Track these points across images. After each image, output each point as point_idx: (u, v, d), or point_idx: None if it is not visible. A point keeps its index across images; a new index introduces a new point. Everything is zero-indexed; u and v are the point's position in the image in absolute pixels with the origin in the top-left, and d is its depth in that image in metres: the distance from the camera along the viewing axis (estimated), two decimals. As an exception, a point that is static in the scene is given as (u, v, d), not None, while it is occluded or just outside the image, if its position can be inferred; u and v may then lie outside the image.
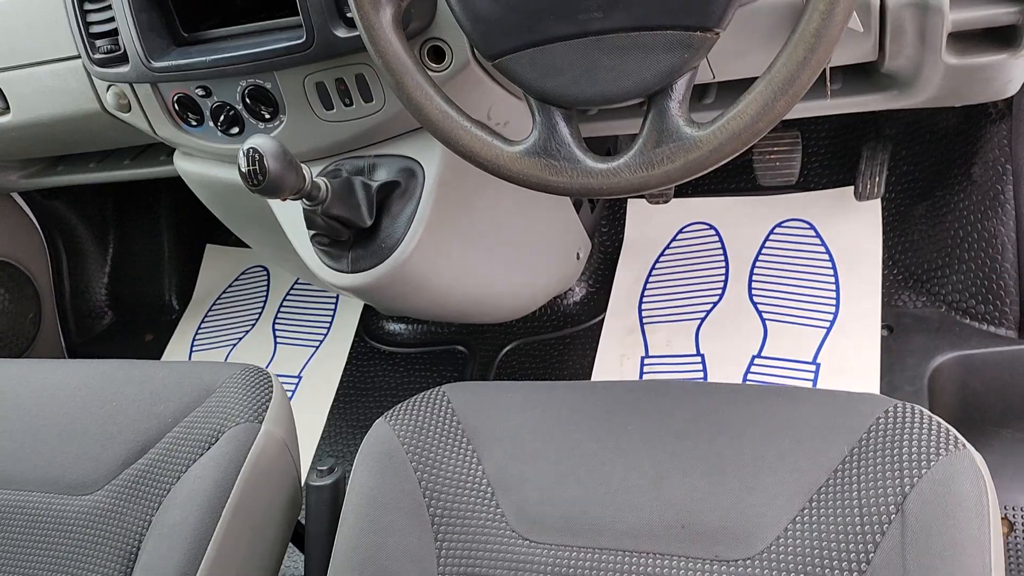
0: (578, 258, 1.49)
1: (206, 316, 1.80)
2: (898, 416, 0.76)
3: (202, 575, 0.84)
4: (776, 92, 0.66)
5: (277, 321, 1.73)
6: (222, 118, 1.11)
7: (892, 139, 1.41)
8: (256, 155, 0.87)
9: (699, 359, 1.35)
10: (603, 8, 0.69)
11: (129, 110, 1.18)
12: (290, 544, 1.00)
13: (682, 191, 1.53)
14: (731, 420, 0.80)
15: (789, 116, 0.98)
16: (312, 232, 1.05)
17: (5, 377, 1.10)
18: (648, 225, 1.54)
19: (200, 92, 1.10)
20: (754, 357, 1.32)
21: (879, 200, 1.39)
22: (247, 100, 1.08)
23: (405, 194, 1.06)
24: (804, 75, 0.65)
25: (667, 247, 1.50)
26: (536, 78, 0.73)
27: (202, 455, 0.91)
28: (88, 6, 1.08)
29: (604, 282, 1.51)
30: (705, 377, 1.33)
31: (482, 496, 0.82)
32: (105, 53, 1.09)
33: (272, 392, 0.98)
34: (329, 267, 1.08)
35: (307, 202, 0.97)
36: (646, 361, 1.38)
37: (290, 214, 1.12)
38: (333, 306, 1.71)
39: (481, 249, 1.20)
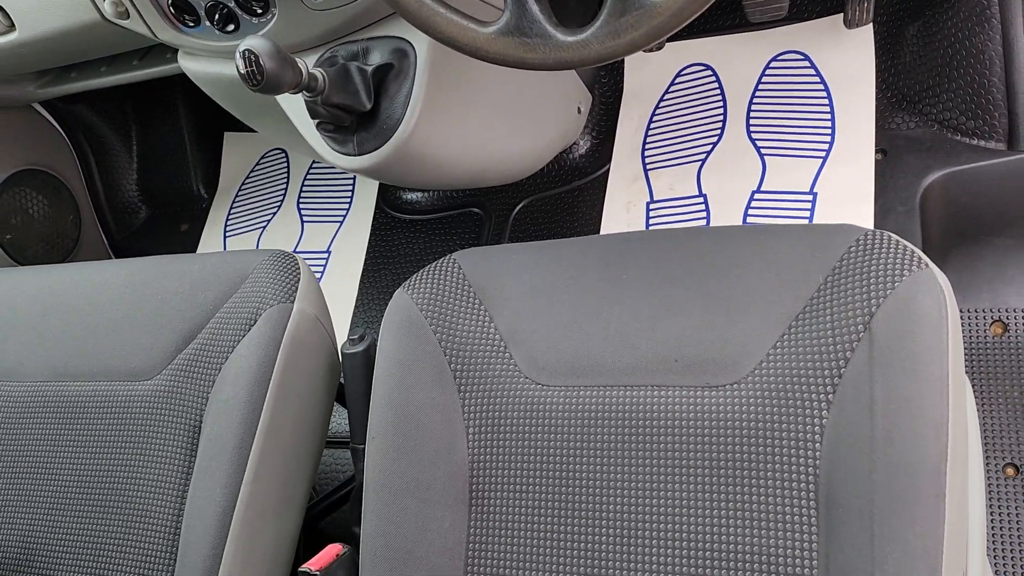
0: (579, 112, 1.53)
1: (234, 202, 1.89)
2: (868, 243, 0.82)
3: (258, 440, 0.96)
4: None
5: (301, 200, 1.81)
6: (217, 16, 1.15)
7: None
8: (252, 56, 0.92)
9: (701, 200, 1.41)
10: None
11: (128, 17, 1.22)
12: (335, 403, 1.12)
13: (677, 35, 1.54)
14: (717, 261, 0.87)
15: None
16: (316, 121, 1.11)
17: (58, 281, 1.20)
18: (646, 72, 1.56)
19: (192, -8, 1.14)
20: (753, 193, 1.38)
21: (871, 25, 1.39)
22: (239, -5, 1.12)
23: (400, 75, 1.10)
24: None
25: (666, 92, 1.53)
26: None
27: (244, 336, 1.02)
28: None
29: (608, 132, 1.56)
30: (708, 216, 1.39)
31: (496, 350, 0.91)
32: None
33: (300, 274, 1.07)
34: (337, 151, 1.14)
35: (307, 94, 1.03)
36: (651, 206, 1.44)
37: (295, 105, 1.18)
38: (352, 181, 1.78)
39: (480, 117, 1.25)
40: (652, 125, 1.52)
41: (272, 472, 0.98)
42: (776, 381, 0.79)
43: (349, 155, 1.13)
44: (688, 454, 0.81)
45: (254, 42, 0.92)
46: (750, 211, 1.36)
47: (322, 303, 1.10)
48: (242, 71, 0.93)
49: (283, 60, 0.94)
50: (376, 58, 1.11)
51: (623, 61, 1.58)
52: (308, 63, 1.03)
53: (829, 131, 1.37)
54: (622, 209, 1.46)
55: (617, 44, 0.76)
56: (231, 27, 1.16)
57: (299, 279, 1.06)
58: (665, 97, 1.53)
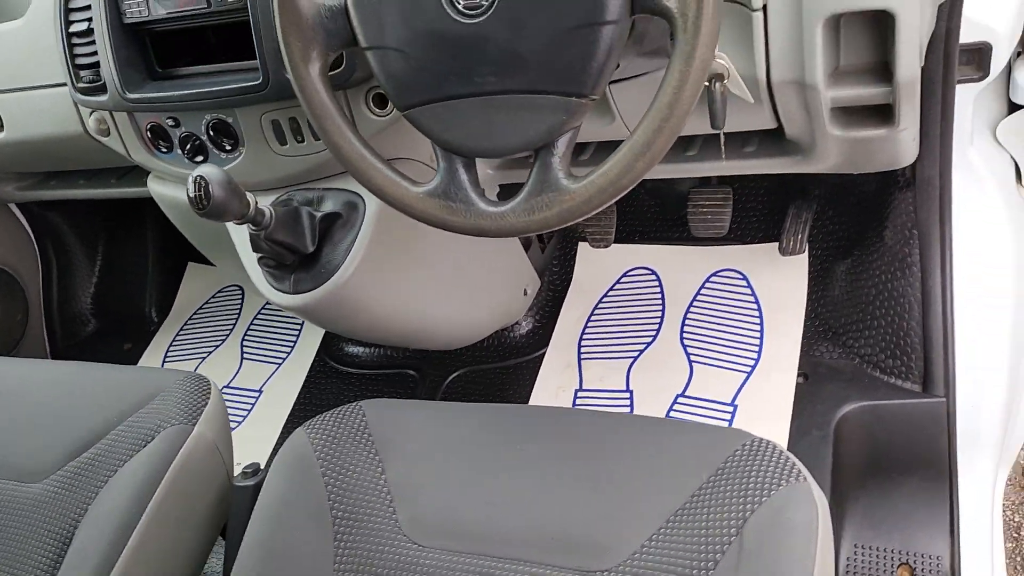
0: (525, 294, 1.58)
1: (181, 329, 1.90)
2: (752, 449, 0.84)
3: (125, 558, 0.93)
4: (636, 155, 0.76)
5: (246, 338, 1.83)
6: (189, 146, 1.22)
7: (818, 199, 1.50)
8: (202, 182, 0.97)
9: (628, 395, 1.43)
10: (497, 72, 0.79)
11: (108, 135, 1.29)
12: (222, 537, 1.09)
13: (627, 238, 1.63)
14: (612, 446, 0.89)
15: (725, 173, 1.08)
16: (259, 255, 1.15)
17: None
18: (595, 266, 1.63)
19: (170, 122, 1.21)
20: (678, 396, 1.41)
21: (807, 256, 1.48)
22: (211, 132, 1.19)
23: (347, 224, 1.15)
24: (659, 141, 0.75)
25: (611, 288, 1.59)
26: (440, 130, 0.83)
27: (138, 452, 1.01)
28: (75, 40, 1.19)
29: (550, 317, 1.61)
30: (631, 411, 1.41)
31: (381, 501, 0.90)
32: (88, 83, 1.20)
33: (210, 399, 1.07)
34: (273, 287, 1.17)
35: (252, 227, 1.07)
36: (579, 394, 1.46)
37: (242, 236, 1.23)
38: (299, 327, 1.81)
39: (422, 280, 1.30)
40: (593, 317, 1.57)
41: None
42: (647, 574, 0.78)
43: (284, 292, 1.17)
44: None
45: (206, 169, 0.98)
46: (672, 413, 1.39)
47: (226, 433, 1.09)
48: (191, 194, 0.98)
49: (231, 191, 0.99)
50: (328, 207, 1.17)
51: (576, 253, 1.66)
52: (263, 201, 1.08)
53: (757, 349, 1.42)
54: (552, 393, 1.48)
55: (531, 220, 0.81)
56: (200, 158, 1.22)
57: (207, 404, 1.06)
58: (609, 293, 1.59)
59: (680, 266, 1.57)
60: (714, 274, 1.54)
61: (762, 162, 1.18)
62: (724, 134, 1.10)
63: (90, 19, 1.17)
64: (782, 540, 0.77)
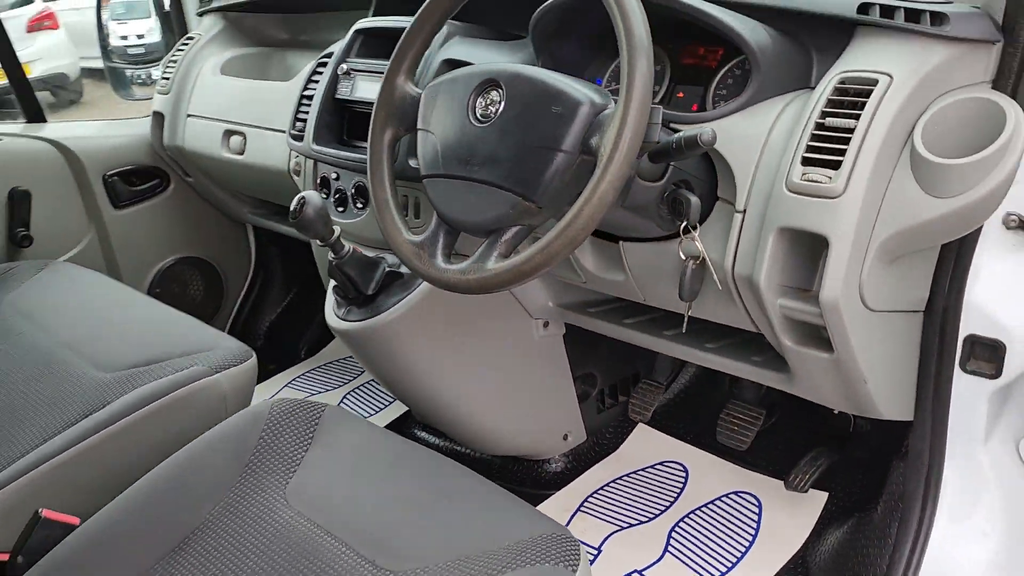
0: (565, 439, 1.72)
1: (309, 371, 2.24)
2: (546, 539, 0.94)
3: (110, 432, 1.21)
4: (534, 253, 0.95)
5: (350, 395, 2.10)
6: (338, 197, 1.57)
7: (837, 453, 1.51)
8: (302, 201, 1.29)
9: (595, 552, 1.50)
10: (482, 165, 1.03)
11: (299, 175, 1.69)
12: None
13: (664, 420, 1.74)
14: (453, 491, 1.04)
15: (706, 364, 1.24)
16: (333, 284, 1.44)
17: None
18: (642, 447, 1.73)
19: (334, 176, 1.58)
20: (636, 570, 1.45)
21: (824, 499, 1.49)
22: (354, 190, 1.54)
23: (405, 286, 1.42)
24: (556, 244, 0.94)
25: (644, 468, 1.68)
26: (437, 198, 1.09)
27: (173, 374, 1.30)
28: (303, 101, 1.62)
29: (581, 467, 1.72)
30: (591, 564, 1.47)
31: (288, 470, 1.10)
32: (296, 131, 1.62)
33: (245, 363, 1.36)
34: (333, 312, 1.46)
35: (332, 254, 1.37)
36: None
37: (324, 262, 1.52)
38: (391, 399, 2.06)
39: (455, 360, 1.51)
40: (613, 483, 1.66)
41: None
42: None
43: (338, 317, 1.44)
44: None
45: (309, 194, 1.30)
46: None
47: (243, 393, 1.36)
48: (292, 207, 1.30)
49: (321, 216, 1.30)
50: (400, 268, 1.45)
51: (632, 430, 1.78)
52: (366, 250, 1.40)
53: (728, 566, 1.44)
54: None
55: (460, 281, 1.02)
56: (341, 208, 1.57)
57: (239, 365, 1.35)
58: (640, 471, 1.68)
59: (712, 473, 1.63)
60: (734, 492, 1.58)
61: (746, 367, 1.27)
62: (710, 321, 1.24)
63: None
64: None
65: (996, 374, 1.18)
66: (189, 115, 2.00)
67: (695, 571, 1.44)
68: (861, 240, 1.00)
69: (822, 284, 1.01)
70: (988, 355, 1.18)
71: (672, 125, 1.13)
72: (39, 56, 6.93)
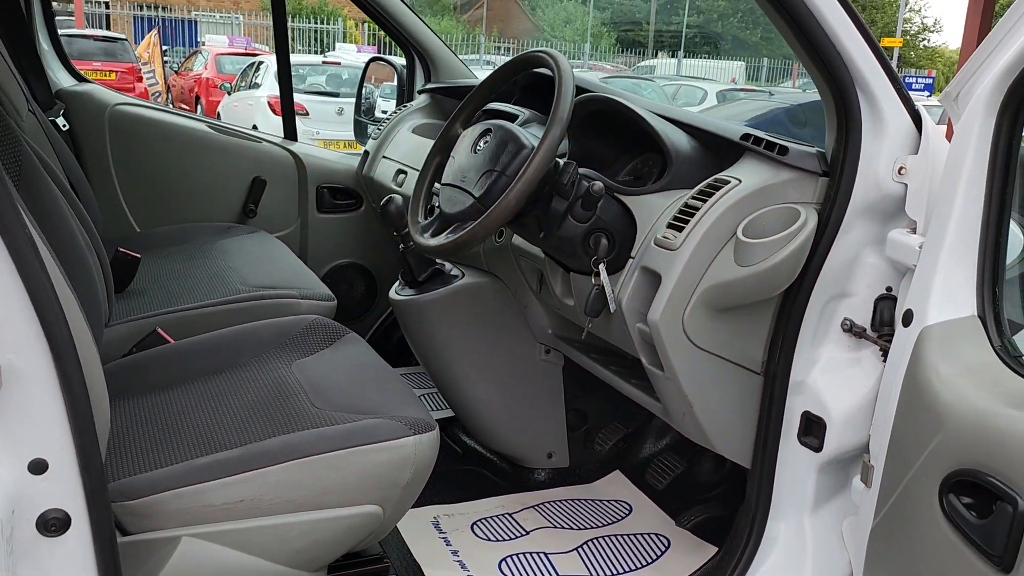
0: (550, 457, 2.12)
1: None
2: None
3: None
4: (465, 233, 1.45)
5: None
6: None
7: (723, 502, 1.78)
8: (389, 198, 1.89)
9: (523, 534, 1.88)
10: (467, 177, 1.56)
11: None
12: None
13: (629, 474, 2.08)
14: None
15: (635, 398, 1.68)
16: (401, 249, 1.99)
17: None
18: (610, 485, 2.09)
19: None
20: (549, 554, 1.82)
21: (712, 553, 1.77)
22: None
23: (445, 282, 1.96)
24: (476, 229, 1.43)
25: (595, 499, 2.04)
26: (441, 200, 1.63)
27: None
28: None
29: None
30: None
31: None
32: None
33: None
34: (395, 290, 2.03)
35: (402, 243, 1.94)
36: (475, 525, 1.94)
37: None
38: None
39: (470, 353, 2.00)
40: (568, 500, 2.03)
41: None
42: None
43: (396, 293, 2.01)
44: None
45: (396, 196, 1.89)
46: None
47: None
48: (381, 203, 1.90)
49: (399, 214, 1.89)
50: (447, 268, 1.99)
51: (610, 473, 2.14)
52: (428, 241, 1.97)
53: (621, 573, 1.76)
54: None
55: (426, 245, 1.55)
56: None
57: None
58: (591, 499, 2.04)
59: (650, 517, 1.95)
60: (655, 533, 1.89)
61: (646, 397, 1.65)
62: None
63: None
64: None
65: (819, 447, 1.47)
66: (384, 156, 2.70)
67: (592, 571, 1.78)
68: (687, 283, 1.40)
69: (652, 306, 1.42)
70: (816, 430, 1.48)
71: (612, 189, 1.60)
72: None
